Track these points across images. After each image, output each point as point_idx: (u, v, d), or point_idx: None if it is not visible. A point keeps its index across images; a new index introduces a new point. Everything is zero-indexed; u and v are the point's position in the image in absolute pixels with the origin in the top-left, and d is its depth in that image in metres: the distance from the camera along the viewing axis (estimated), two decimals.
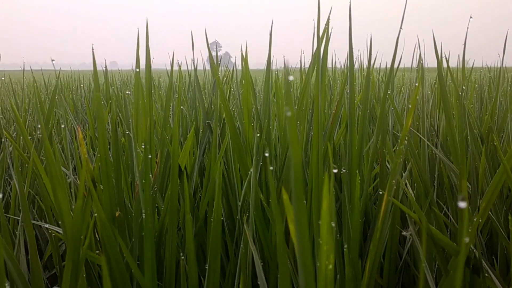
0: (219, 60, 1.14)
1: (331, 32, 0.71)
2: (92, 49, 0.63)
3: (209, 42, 1.08)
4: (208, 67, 2.08)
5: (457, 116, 0.81)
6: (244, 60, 0.81)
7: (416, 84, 0.89)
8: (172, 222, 0.62)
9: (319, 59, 0.66)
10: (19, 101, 1.72)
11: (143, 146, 0.53)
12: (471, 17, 0.66)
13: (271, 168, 0.59)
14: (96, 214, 0.47)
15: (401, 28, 0.55)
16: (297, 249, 0.31)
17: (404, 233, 0.56)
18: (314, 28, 0.68)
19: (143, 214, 0.51)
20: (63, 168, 0.77)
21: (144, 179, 0.51)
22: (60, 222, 0.44)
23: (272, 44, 0.86)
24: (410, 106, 0.47)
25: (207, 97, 1.47)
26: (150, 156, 0.52)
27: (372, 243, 0.50)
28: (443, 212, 0.86)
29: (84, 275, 0.47)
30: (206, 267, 0.54)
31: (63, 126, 0.66)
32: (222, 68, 1.74)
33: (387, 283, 0.67)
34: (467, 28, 0.65)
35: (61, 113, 1.50)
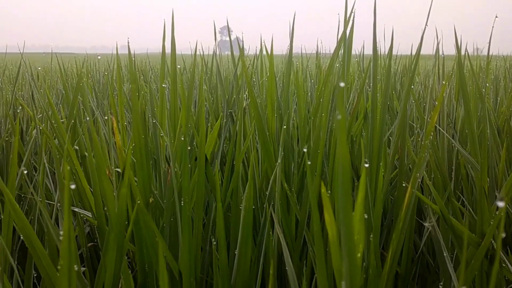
0: (232, 45, 1.14)
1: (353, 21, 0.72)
2: (128, 42, 0.65)
3: (220, 26, 1.10)
4: (221, 51, 2.08)
5: (474, 110, 0.82)
6: (269, 56, 0.82)
7: (443, 82, 0.90)
8: (198, 209, 0.65)
9: (345, 42, 0.67)
10: (40, 87, 1.75)
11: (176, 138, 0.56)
12: (496, 16, 0.67)
13: (309, 162, 0.61)
14: (138, 201, 0.49)
15: (426, 25, 0.57)
16: (333, 237, 0.34)
17: (425, 224, 0.58)
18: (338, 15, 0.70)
19: (182, 202, 0.54)
20: None
21: (183, 170, 0.54)
22: (105, 208, 0.47)
23: (280, 30, 0.87)
24: (436, 103, 0.49)
25: (223, 84, 1.49)
26: (189, 148, 0.54)
27: (394, 233, 0.52)
28: (460, 201, 0.87)
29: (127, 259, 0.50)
30: (235, 253, 0.57)
31: (106, 118, 0.68)
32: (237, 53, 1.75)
33: (404, 271, 0.69)
34: (492, 27, 0.66)
35: (81, 99, 1.53)
